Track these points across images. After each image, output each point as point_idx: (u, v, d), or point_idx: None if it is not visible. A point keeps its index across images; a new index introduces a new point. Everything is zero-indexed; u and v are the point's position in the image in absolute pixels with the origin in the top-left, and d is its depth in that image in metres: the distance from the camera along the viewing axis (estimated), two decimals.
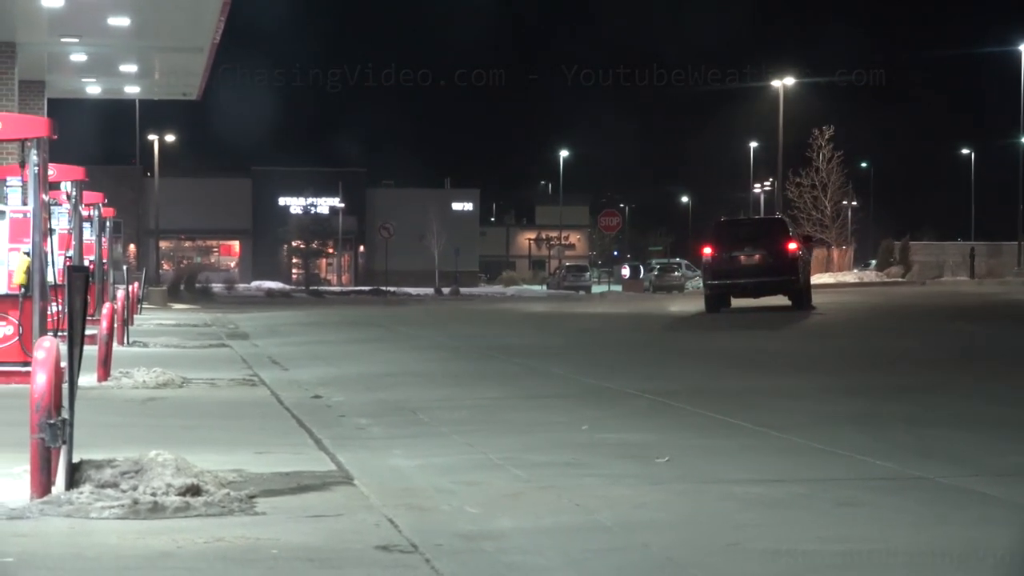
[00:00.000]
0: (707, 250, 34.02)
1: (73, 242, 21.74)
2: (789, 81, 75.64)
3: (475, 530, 7.44)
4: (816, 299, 37.49)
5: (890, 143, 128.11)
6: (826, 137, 75.16)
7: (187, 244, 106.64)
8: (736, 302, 34.99)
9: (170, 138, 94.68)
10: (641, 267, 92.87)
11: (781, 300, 34.98)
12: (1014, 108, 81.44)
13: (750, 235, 34.96)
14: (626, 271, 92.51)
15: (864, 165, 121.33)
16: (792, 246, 33.71)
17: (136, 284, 35.11)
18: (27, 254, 14.70)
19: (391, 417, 13.06)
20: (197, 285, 66.46)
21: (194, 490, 8.08)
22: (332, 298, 66.78)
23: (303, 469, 9.55)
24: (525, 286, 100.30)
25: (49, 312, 14.98)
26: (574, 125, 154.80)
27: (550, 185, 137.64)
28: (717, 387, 15.64)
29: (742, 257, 33.78)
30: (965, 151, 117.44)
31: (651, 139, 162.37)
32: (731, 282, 33.61)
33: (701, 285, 41.41)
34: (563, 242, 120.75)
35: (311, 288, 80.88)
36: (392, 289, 75.22)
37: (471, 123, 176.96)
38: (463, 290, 78.96)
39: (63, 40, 33.60)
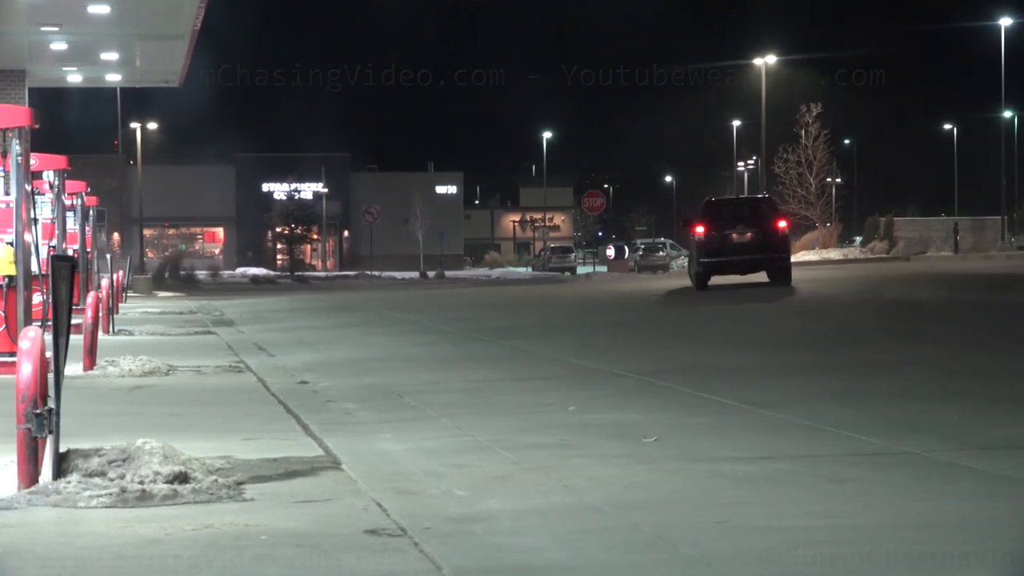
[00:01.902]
0: (699, 229, 34.61)
1: (56, 231, 21.68)
2: (771, 59, 75.84)
3: (464, 513, 7.44)
4: (800, 276, 37.74)
5: (872, 119, 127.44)
6: (814, 114, 74.39)
7: (171, 232, 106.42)
8: (715, 280, 35.36)
9: (152, 126, 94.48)
10: (626, 247, 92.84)
11: (759, 277, 35.21)
12: (996, 82, 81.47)
13: (741, 214, 35.80)
14: (611, 252, 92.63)
15: (847, 142, 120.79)
16: (782, 224, 34.91)
17: (120, 272, 35.05)
18: (10, 244, 14.66)
19: (378, 401, 12.98)
20: (182, 272, 66.32)
21: (182, 477, 8.07)
22: (317, 283, 66.72)
23: (291, 455, 9.54)
24: (510, 268, 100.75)
25: (34, 302, 14.94)
26: (557, 106, 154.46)
27: (534, 167, 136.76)
28: (704, 365, 15.60)
29: (734, 235, 34.42)
30: (948, 126, 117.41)
31: (634, 118, 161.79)
32: (724, 259, 34.23)
33: (686, 264, 41.81)
34: (548, 224, 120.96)
35: (296, 274, 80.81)
36: (377, 273, 75.24)
37: (454, 106, 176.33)
38: (448, 273, 79.08)
39: (43, 29, 33.47)
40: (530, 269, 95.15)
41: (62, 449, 8.24)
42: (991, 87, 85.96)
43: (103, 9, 31.30)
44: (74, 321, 12.68)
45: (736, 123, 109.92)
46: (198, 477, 8.15)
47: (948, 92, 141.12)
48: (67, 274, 8.24)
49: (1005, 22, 79.01)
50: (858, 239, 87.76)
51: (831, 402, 11.81)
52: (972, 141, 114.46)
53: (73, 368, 15.23)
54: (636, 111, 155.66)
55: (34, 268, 13.30)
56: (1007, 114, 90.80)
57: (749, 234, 34.42)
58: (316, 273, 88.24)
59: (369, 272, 76.11)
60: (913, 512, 7.19)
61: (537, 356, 17.69)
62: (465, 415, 11.68)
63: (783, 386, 13.14)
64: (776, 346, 18.33)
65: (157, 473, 8.06)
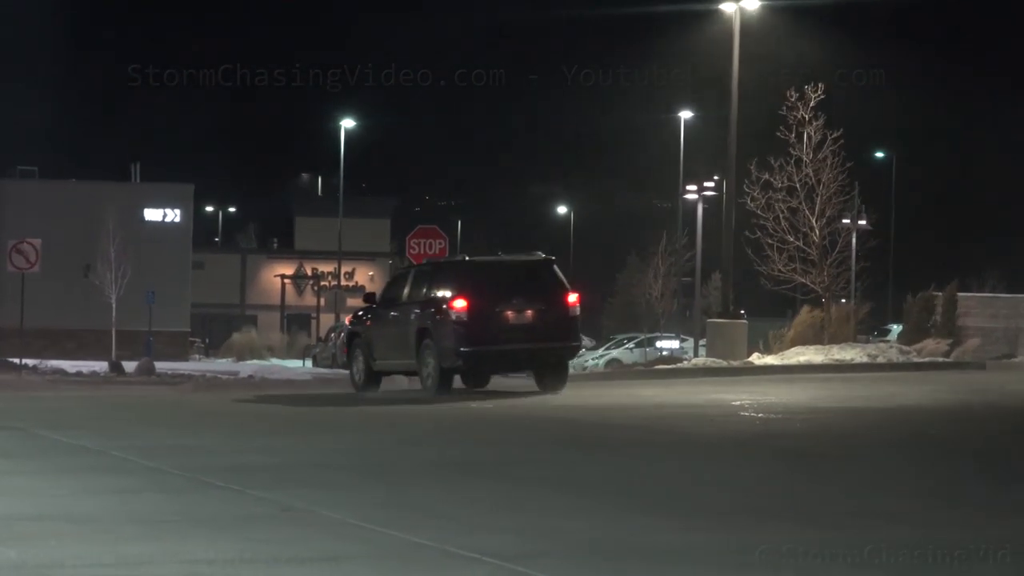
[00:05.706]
0: (459, 303, 25.96)
1: None
2: (751, 3, 38.62)
3: None
4: (775, 399, 23.82)
5: (929, 117, 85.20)
6: (812, 102, 39.42)
7: None
8: (385, 381, 27.71)
9: None
10: None
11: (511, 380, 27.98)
12: None
13: (514, 282, 27.12)
14: None
15: (880, 156, 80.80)
16: (572, 298, 26.53)
17: None
18: None
19: None
20: None
21: None
22: None
23: None
24: (275, 361, 66.85)
25: None
26: (373, 90, 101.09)
27: (320, 180, 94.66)
28: (617, 542, 9.63)
29: (510, 313, 26.24)
30: None
31: (504, 103, 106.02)
32: (499, 349, 26.13)
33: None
34: (344, 283, 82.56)
35: None
36: (32, 362, 43.93)
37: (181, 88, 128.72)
38: (163, 365, 45.56)
39: None
40: (310, 363, 62.74)
41: None
42: None
43: None
44: None
45: (685, 115, 71.06)
46: None
47: None
48: None
49: None
50: (894, 328, 57.93)
51: None
52: None
53: None
54: (508, 90, 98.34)
55: None
56: None
57: (531, 312, 26.29)
58: None
59: (19, 361, 44.65)
60: None
61: (316, 518, 11.07)
62: None
63: None
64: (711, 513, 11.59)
65: None
